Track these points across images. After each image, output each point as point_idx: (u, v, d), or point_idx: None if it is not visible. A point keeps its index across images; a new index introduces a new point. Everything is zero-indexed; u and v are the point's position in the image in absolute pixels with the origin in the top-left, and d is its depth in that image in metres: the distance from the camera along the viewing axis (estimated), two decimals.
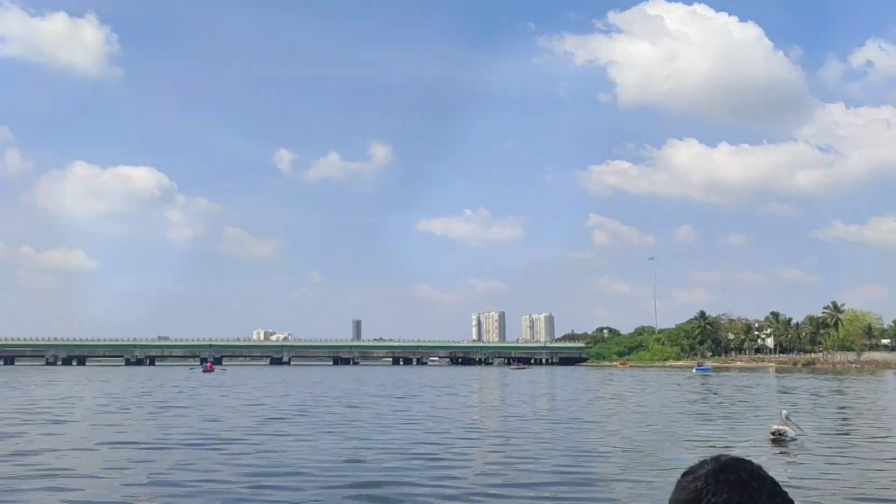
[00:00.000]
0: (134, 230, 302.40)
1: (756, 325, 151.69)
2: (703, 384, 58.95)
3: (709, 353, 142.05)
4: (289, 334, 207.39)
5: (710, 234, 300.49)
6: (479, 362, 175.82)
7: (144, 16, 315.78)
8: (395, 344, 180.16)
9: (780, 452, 17.34)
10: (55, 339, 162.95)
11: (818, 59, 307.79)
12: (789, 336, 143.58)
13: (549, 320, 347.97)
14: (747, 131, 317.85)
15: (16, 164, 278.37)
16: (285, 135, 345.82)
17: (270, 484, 12.22)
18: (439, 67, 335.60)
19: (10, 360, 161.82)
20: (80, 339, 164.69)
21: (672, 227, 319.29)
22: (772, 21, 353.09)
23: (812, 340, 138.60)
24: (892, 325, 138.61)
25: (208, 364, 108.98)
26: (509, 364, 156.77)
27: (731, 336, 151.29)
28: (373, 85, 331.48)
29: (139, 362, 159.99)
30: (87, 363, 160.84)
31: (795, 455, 16.81)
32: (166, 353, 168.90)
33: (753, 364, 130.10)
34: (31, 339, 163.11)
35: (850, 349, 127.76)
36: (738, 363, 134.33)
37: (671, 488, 1.31)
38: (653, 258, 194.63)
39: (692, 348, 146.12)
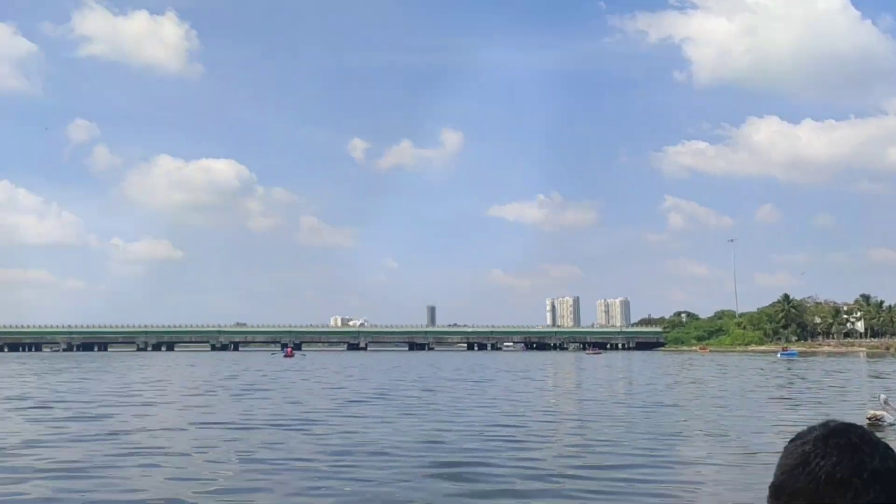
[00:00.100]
0: (216, 221, 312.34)
1: (845, 308, 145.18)
2: (788, 369, 56.90)
3: (794, 338, 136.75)
4: (365, 320, 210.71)
5: (794, 214, 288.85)
6: (554, 347, 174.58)
7: (221, 10, 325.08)
8: (470, 329, 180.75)
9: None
10: (145, 326, 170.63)
11: None
12: (881, 319, 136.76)
13: (625, 305, 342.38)
14: (833, 106, 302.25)
15: (105, 159, 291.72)
16: (358, 124, 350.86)
17: (353, 463, 12.44)
18: (508, 51, 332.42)
19: (104, 347, 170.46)
20: (169, 326, 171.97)
21: (752, 207, 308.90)
22: None
23: None
24: None
25: (289, 349, 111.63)
26: (584, 349, 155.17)
27: (817, 320, 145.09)
28: (443, 71, 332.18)
29: (224, 348, 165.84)
30: (175, 349, 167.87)
31: (894, 440, 16.00)
32: (249, 338, 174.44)
33: (842, 349, 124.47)
34: (122, 327, 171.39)
35: None
36: (826, 348, 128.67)
37: (760, 472, 1.22)
38: (732, 240, 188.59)
39: (776, 332, 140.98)
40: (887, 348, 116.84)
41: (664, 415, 21.58)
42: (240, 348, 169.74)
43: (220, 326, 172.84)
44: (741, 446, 14.76)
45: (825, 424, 1.28)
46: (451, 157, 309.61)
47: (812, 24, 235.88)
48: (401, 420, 19.52)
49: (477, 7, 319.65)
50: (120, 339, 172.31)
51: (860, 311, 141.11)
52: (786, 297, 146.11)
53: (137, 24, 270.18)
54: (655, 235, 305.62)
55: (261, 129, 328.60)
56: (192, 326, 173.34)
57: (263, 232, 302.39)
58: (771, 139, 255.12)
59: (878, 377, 43.99)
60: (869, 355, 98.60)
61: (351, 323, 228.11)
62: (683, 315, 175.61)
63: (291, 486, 10.44)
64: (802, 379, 42.70)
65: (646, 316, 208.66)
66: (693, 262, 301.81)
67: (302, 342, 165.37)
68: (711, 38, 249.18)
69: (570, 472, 11.74)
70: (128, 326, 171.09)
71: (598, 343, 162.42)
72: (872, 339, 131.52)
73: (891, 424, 17.68)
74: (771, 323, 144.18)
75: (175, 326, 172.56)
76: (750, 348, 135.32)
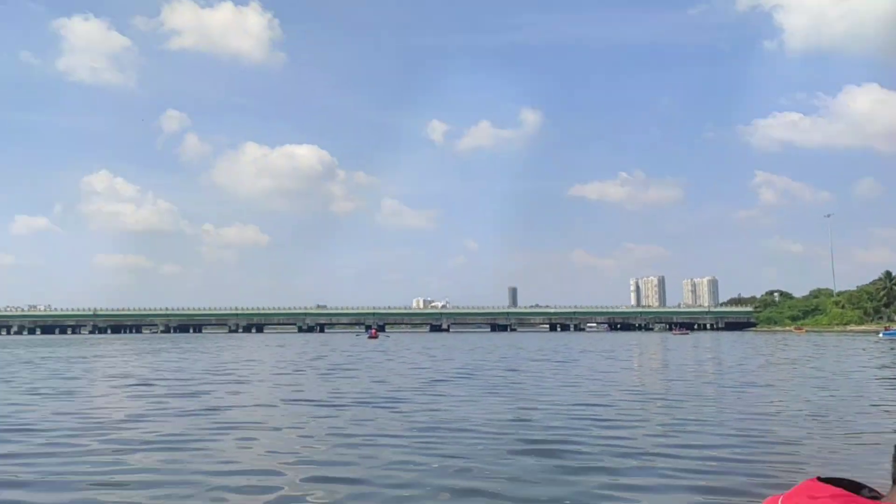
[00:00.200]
0: (300, 206, 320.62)
1: None
2: (892, 349, 54.01)
3: None
4: (447, 302, 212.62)
5: None
6: (639, 328, 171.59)
7: None
8: (552, 310, 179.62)
9: None
10: (236, 308, 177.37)
11: None
12: None
13: (713, 284, 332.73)
14: None
15: (195, 148, 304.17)
16: (437, 106, 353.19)
17: (439, 439, 12.53)
18: (587, 26, 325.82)
19: (198, 329, 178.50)
20: (258, 309, 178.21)
21: (851, 181, 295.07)
22: None
23: None
24: None
25: (373, 330, 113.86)
26: (670, 329, 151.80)
27: None
28: (521, 50, 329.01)
29: (310, 329, 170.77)
30: (264, 330, 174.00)
31: None
32: (334, 320, 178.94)
33: None
34: (215, 309, 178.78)
35: None
36: None
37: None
38: (829, 215, 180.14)
39: (877, 311, 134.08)
40: None
41: (758, 395, 20.83)
42: (325, 330, 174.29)
43: (305, 309, 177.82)
44: (844, 427, 14.08)
45: None
46: (531, 136, 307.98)
47: None
48: (486, 399, 19.55)
49: None
50: (213, 321, 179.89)
51: None
52: (888, 273, 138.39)
53: (223, 15, 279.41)
54: (745, 212, 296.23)
55: (341, 114, 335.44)
56: (280, 309, 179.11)
57: (346, 215, 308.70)
58: (871, 108, 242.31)
59: None
60: None
61: (433, 304, 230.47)
62: (776, 294, 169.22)
63: (381, 460, 10.62)
64: None
65: (735, 295, 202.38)
66: (786, 240, 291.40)
67: (385, 324, 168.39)
68: (804, 4, 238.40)
69: (661, 450, 11.47)
70: (220, 309, 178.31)
71: (684, 323, 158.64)
72: None
73: None
74: (872, 301, 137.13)
75: (264, 309, 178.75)
76: (849, 328, 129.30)
